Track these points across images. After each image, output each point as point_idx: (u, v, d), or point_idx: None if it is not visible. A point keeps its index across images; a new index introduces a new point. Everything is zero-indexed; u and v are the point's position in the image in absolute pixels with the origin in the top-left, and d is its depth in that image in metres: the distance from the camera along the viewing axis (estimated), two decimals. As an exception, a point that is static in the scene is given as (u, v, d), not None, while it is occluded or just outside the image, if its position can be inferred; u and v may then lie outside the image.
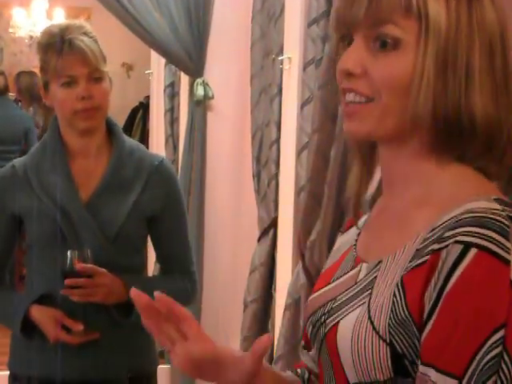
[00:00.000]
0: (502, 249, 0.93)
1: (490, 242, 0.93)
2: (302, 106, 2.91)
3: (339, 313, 1.09)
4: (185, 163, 4.28)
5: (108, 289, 2.10)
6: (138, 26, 3.84)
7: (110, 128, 2.24)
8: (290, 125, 3.07)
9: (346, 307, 1.08)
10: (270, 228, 3.44)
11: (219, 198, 4.16)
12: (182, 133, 4.56)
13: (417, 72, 1.03)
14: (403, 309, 0.99)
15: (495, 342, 0.91)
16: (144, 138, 7.37)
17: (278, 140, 3.32)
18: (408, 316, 0.98)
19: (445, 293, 0.94)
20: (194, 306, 4.11)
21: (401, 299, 0.99)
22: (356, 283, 1.11)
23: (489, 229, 0.94)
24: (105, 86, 2.16)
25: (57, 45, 2.09)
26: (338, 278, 1.17)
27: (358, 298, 1.07)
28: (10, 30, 8.83)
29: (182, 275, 2.31)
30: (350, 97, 1.08)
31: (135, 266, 2.24)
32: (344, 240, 1.28)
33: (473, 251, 0.93)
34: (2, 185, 2.21)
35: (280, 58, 3.15)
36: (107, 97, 2.18)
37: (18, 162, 2.24)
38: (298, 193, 2.99)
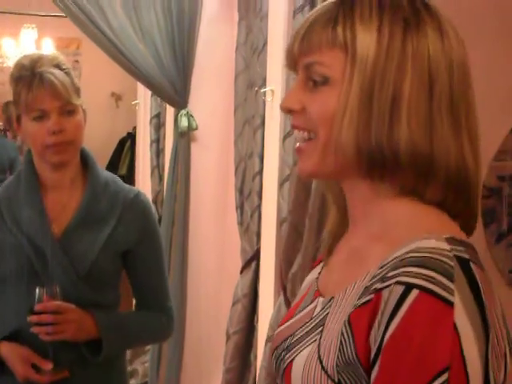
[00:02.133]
0: (445, 290, 0.91)
1: (432, 282, 0.91)
2: (284, 138, 2.92)
3: (295, 349, 1.08)
4: (169, 194, 4.27)
5: (77, 325, 2.04)
6: (123, 57, 3.85)
7: (84, 160, 2.20)
8: (273, 156, 3.08)
9: (301, 344, 1.07)
10: (252, 260, 3.44)
11: (203, 229, 4.15)
12: (168, 164, 4.56)
13: (340, 105, 1.02)
14: (351, 350, 0.97)
15: None
16: (132, 169, 7.38)
17: (260, 171, 3.32)
18: (355, 358, 0.97)
19: (386, 337, 0.92)
20: (178, 337, 4.10)
21: (349, 339, 0.98)
22: (311, 318, 1.10)
23: (431, 269, 0.92)
24: (77, 118, 2.10)
25: (27, 78, 2.06)
26: (299, 312, 1.17)
27: (311, 335, 1.06)
28: (-1, 60, 8.86)
29: (158, 311, 2.25)
30: (296, 134, 1.10)
31: (108, 301, 2.18)
32: (312, 274, 1.27)
33: (414, 292, 0.91)
34: None
35: (263, 90, 3.16)
36: (80, 130, 2.11)
37: None
38: (279, 225, 3.00)
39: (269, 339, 2.98)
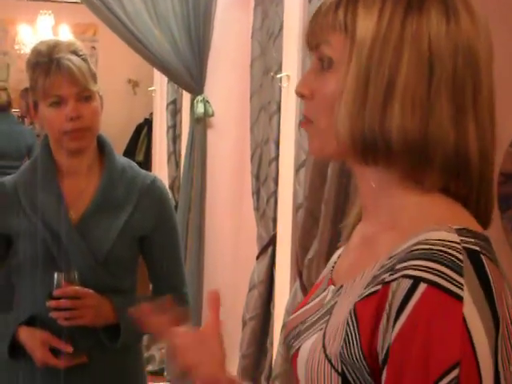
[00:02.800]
0: (453, 284, 0.89)
1: (440, 276, 0.89)
2: (300, 123, 2.91)
3: (303, 336, 1.08)
4: (185, 180, 4.28)
5: (95, 310, 2.03)
6: (139, 43, 3.85)
7: (101, 146, 2.20)
8: (289, 142, 3.07)
9: (309, 331, 1.07)
10: (268, 246, 3.44)
11: (219, 215, 4.16)
12: (184, 150, 4.56)
13: (338, 89, 1.01)
14: (356, 341, 0.96)
15: (449, 383, 0.86)
16: (149, 155, 7.37)
17: (276, 157, 3.32)
18: (360, 350, 0.95)
19: (395, 332, 0.91)
20: (194, 323, 4.11)
21: (354, 329, 0.96)
22: (322, 306, 1.09)
23: (439, 263, 0.90)
24: (94, 105, 2.10)
25: (44, 64, 2.05)
26: (312, 300, 1.16)
27: (319, 323, 1.05)
28: (16, 47, 8.88)
29: (174, 296, 2.27)
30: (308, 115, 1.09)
31: (126, 287, 2.17)
32: (331, 261, 1.25)
33: (422, 286, 0.89)
34: None
35: (278, 76, 3.15)
36: (97, 116, 2.11)
37: (7, 180, 2.19)
38: (296, 210, 2.99)
39: (285, 325, 2.98)
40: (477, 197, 1.04)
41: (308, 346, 1.03)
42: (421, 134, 0.98)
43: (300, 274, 2.87)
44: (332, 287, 1.11)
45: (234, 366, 3.70)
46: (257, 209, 3.56)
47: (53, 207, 2.11)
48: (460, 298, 0.89)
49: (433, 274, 0.90)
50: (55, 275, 2.01)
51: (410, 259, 0.92)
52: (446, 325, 0.88)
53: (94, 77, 2.11)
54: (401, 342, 0.90)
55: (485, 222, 1.05)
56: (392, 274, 0.94)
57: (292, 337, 1.13)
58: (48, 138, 2.17)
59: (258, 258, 3.51)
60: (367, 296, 0.97)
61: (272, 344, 3.35)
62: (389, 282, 0.93)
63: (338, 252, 1.24)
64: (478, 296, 0.90)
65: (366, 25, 0.99)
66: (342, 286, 1.06)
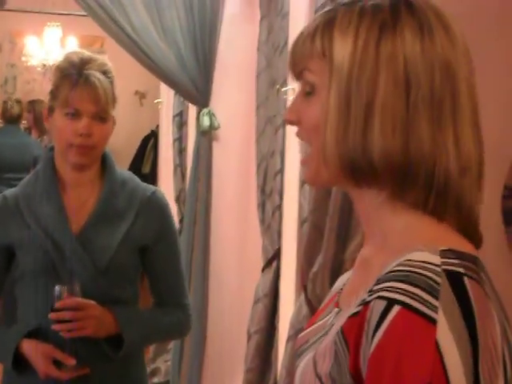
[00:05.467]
0: (427, 307, 0.89)
1: (414, 299, 0.90)
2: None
3: (303, 355, 1.10)
4: (190, 193, 4.28)
5: (97, 321, 2.06)
6: (145, 56, 3.86)
7: (103, 160, 2.23)
8: (294, 155, 3.07)
9: (308, 350, 1.09)
10: (273, 259, 3.43)
11: (224, 228, 4.16)
12: (190, 162, 4.57)
13: (322, 115, 1.03)
14: (344, 361, 0.96)
15: None
16: (155, 167, 7.38)
17: (282, 170, 3.32)
18: (347, 370, 0.96)
19: (370, 352, 0.91)
20: (199, 336, 4.10)
21: (342, 349, 0.97)
22: (324, 327, 1.11)
23: (415, 285, 0.91)
24: (107, 127, 2.15)
25: (73, 76, 2.09)
26: (319, 321, 1.17)
27: (317, 343, 1.07)
28: (23, 59, 8.90)
29: (175, 308, 2.28)
30: (301, 145, 1.12)
31: (128, 297, 2.21)
32: (339, 283, 1.26)
33: (395, 308, 0.90)
34: None
35: (284, 89, 3.16)
36: (107, 138, 2.17)
37: (9, 192, 2.22)
38: (300, 224, 2.99)
39: (289, 339, 2.97)
40: (462, 214, 1.03)
41: (303, 364, 1.05)
42: (403, 154, 0.99)
43: (305, 288, 2.87)
44: (336, 309, 1.12)
45: (238, 380, 3.69)
46: (262, 222, 3.56)
47: (54, 219, 2.13)
48: (433, 321, 0.88)
49: (407, 296, 0.90)
50: (56, 287, 2.03)
51: (388, 280, 0.93)
52: (418, 347, 0.88)
53: (114, 101, 2.16)
54: (375, 362, 0.91)
55: (476, 239, 1.05)
56: (371, 295, 0.94)
57: (297, 355, 1.15)
58: (51, 150, 2.20)
59: (263, 270, 3.50)
60: (351, 316, 0.98)
61: (277, 357, 3.34)
62: (368, 302, 0.94)
63: (347, 275, 1.25)
64: (455, 319, 0.89)
65: (342, 49, 1.01)
66: (341, 310, 1.08)
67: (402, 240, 1.01)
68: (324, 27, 1.04)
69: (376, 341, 0.91)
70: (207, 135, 4.14)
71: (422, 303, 0.89)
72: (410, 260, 0.94)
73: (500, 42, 2.08)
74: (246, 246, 4.02)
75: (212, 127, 4.09)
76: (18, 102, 6.93)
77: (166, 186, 5.37)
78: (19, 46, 9.17)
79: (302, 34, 1.08)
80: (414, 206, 1.02)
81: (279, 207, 3.34)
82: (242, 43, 3.98)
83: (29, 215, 2.14)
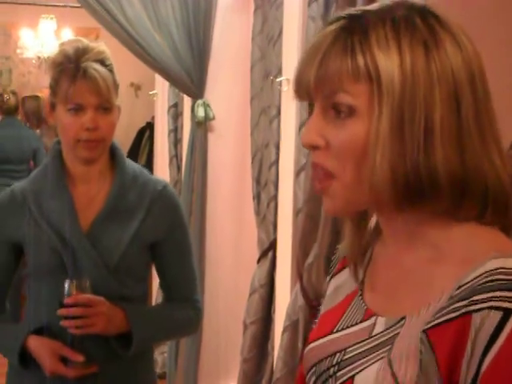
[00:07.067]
0: None
1: None
2: (300, 127, 2.91)
3: (353, 366, 1.04)
4: (186, 184, 4.28)
5: (107, 318, 1.99)
6: (139, 47, 3.85)
7: (112, 153, 2.17)
8: (289, 146, 3.07)
9: (362, 361, 1.03)
10: (269, 250, 3.44)
11: (220, 219, 4.16)
12: (185, 153, 4.57)
13: (371, 138, 0.98)
14: (433, 369, 0.94)
15: None
16: (151, 159, 7.37)
17: (277, 161, 3.32)
18: (438, 378, 0.94)
19: (485, 365, 0.90)
20: (196, 327, 4.11)
21: (429, 357, 0.95)
22: (371, 337, 1.06)
23: None
24: (112, 117, 2.08)
25: (70, 70, 2.02)
26: (344, 328, 1.12)
27: (376, 353, 1.02)
28: (18, 51, 8.87)
29: (186, 303, 2.21)
30: (316, 173, 1.04)
31: (137, 295, 2.14)
32: (340, 283, 1.22)
33: None
34: (0, 212, 2.13)
35: (278, 80, 3.16)
36: (113, 128, 2.09)
37: (17, 187, 2.16)
38: (295, 214, 2.99)
39: (286, 329, 2.98)
40: (508, 220, 1.04)
41: (371, 374, 1.01)
42: (462, 168, 0.98)
43: (300, 278, 2.87)
44: (381, 318, 1.07)
45: (235, 370, 3.70)
46: (257, 213, 3.56)
47: (63, 214, 2.07)
48: None
49: None
50: (66, 283, 1.97)
51: (492, 290, 0.92)
52: None
53: (116, 89, 2.09)
54: (494, 374, 0.89)
55: None
56: (472, 305, 0.93)
57: (330, 366, 1.09)
58: (59, 144, 2.14)
59: (258, 261, 3.50)
60: (440, 324, 0.96)
61: (273, 348, 3.34)
62: (469, 313, 0.92)
63: (345, 273, 1.22)
64: None
65: (389, 69, 0.97)
66: (403, 319, 1.03)
67: (466, 249, 1.01)
68: (361, 44, 0.98)
69: (494, 352, 0.89)
70: (202, 126, 4.13)
71: None
72: (503, 268, 0.94)
73: (498, 31, 2.08)
74: (241, 237, 4.02)
75: (207, 118, 4.09)
76: (14, 93, 6.89)
77: (162, 177, 5.34)
78: (14, 38, 9.12)
79: (329, 49, 1.00)
80: (472, 216, 1.02)
81: (274, 198, 3.34)
82: (236, 34, 3.99)
83: (37, 211, 2.08)
